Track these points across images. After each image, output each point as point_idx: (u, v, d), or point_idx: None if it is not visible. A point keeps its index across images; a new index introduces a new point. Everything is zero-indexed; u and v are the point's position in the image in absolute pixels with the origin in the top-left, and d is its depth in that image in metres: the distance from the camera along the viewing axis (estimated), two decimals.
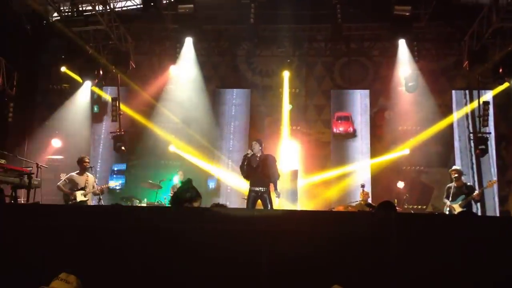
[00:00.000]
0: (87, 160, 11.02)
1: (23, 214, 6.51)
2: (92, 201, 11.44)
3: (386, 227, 5.80)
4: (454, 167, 11.38)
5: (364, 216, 7.75)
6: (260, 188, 9.98)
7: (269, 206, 9.91)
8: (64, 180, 10.80)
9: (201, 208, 6.90)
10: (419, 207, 14.19)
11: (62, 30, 12.83)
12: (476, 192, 10.82)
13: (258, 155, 10.07)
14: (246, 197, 13.30)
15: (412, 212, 13.58)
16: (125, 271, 5.34)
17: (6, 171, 9.80)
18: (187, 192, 7.57)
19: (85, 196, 10.71)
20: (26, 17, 13.58)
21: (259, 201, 9.95)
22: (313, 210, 11.87)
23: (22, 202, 10.91)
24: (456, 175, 10.96)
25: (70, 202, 10.49)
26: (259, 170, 10.02)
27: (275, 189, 10.21)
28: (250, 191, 10.06)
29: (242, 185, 14.11)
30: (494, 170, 14.52)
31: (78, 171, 10.88)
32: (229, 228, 5.55)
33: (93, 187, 10.99)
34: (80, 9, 12.95)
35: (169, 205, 10.86)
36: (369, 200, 13.12)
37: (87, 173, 10.96)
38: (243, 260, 5.22)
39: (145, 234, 5.41)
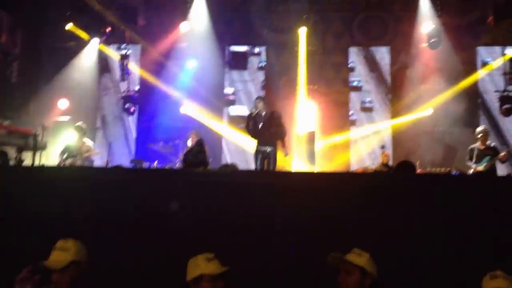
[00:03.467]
0: (81, 128, 11.14)
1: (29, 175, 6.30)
2: None
3: (404, 188, 5.44)
4: (481, 128, 10.90)
5: (381, 177, 7.36)
6: (266, 147, 9.74)
7: (272, 165, 9.67)
8: (62, 149, 10.95)
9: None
10: (443, 169, 13.58)
11: None
12: (503, 153, 10.37)
13: (263, 113, 9.82)
14: None
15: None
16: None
17: (11, 133, 9.59)
18: (196, 156, 7.16)
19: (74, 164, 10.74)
20: None
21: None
22: (328, 172, 11.49)
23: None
24: (482, 135, 10.51)
25: None
26: (265, 129, 9.78)
27: (283, 146, 9.94)
28: (257, 151, 9.81)
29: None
30: None
31: (75, 138, 11.09)
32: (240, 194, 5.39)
33: (86, 154, 11.00)
34: None
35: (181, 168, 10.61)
36: (390, 162, 12.67)
37: (84, 139, 11.09)
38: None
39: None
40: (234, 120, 14.84)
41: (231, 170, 9.24)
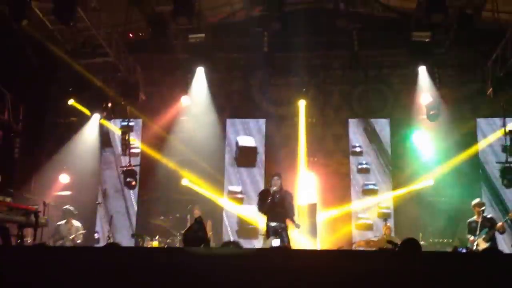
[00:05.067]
0: (68, 211, 11.70)
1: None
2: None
3: (410, 268, 5.35)
4: (475, 201, 11.10)
5: (387, 256, 7.28)
6: (279, 223, 10.09)
7: (287, 243, 9.88)
8: (53, 231, 11.38)
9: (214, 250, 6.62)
10: (445, 240, 13.51)
11: (69, 62, 12.58)
12: (500, 223, 10.55)
13: (278, 190, 10.19)
14: (263, 233, 12.98)
15: (438, 246, 12.97)
16: None
17: (12, 210, 9.55)
18: (197, 233, 7.12)
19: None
20: (33, 50, 13.16)
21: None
22: (333, 250, 11.39)
23: (29, 241, 10.64)
24: (479, 208, 10.67)
25: None
26: (279, 206, 10.10)
27: (293, 221, 10.35)
28: (269, 226, 10.11)
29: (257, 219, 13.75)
30: None
31: (65, 220, 11.58)
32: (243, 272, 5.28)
33: (73, 236, 11.42)
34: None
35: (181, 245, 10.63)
36: (392, 234, 12.63)
37: (72, 221, 11.57)
38: None
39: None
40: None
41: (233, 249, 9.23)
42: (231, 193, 14.90)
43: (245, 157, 15.08)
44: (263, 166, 14.98)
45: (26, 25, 10.57)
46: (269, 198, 10.10)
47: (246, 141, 15.24)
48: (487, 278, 5.13)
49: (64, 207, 11.80)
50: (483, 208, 10.82)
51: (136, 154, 14.63)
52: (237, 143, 15.24)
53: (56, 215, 12.24)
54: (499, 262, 5.60)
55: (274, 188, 10.16)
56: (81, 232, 11.77)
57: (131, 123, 14.37)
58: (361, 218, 14.39)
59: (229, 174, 15.07)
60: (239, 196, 14.85)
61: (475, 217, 10.79)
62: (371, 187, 14.72)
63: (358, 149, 14.90)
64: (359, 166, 14.79)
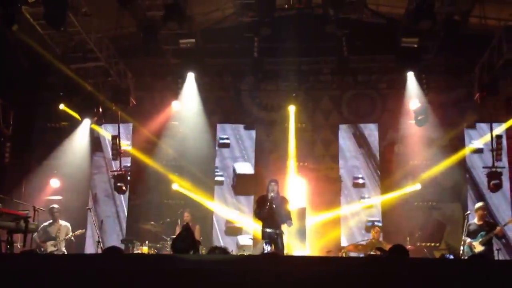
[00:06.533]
0: (55, 210, 11.66)
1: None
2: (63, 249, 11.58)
3: (398, 274, 5.45)
4: (479, 204, 11.20)
5: (375, 262, 7.36)
6: (274, 229, 10.17)
7: (281, 247, 10.06)
8: (38, 231, 11.10)
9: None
10: (432, 244, 13.67)
11: (60, 67, 12.58)
12: (498, 227, 10.62)
13: (275, 197, 10.30)
14: (253, 237, 13.06)
15: (425, 250, 13.14)
16: None
17: (1, 215, 9.51)
18: (183, 241, 7.14)
19: (54, 246, 11.25)
20: (23, 55, 13.17)
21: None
22: (322, 256, 11.48)
23: (19, 247, 10.46)
24: (481, 212, 10.76)
25: None
26: (276, 212, 10.21)
27: (287, 221, 10.37)
28: (264, 232, 10.18)
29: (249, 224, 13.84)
30: (508, 205, 13.96)
31: (50, 220, 11.55)
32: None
33: (67, 235, 11.48)
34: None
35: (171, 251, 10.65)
36: (381, 238, 12.72)
37: (60, 221, 11.59)
38: None
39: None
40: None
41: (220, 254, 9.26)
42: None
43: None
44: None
45: (16, 29, 10.57)
46: (267, 205, 10.13)
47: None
48: (473, 285, 5.23)
49: (51, 206, 11.79)
50: (483, 212, 10.94)
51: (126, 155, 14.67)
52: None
53: (47, 220, 12.18)
54: (484, 269, 5.72)
55: (272, 194, 10.21)
56: (78, 232, 11.82)
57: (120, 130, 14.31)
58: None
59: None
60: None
61: (475, 220, 10.83)
62: (360, 181, 14.89)
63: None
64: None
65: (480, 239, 10.53)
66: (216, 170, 15.18)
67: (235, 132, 15.47)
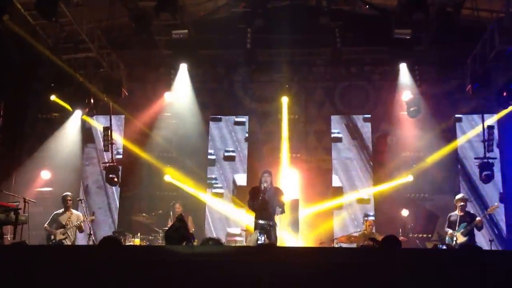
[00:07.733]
0: (69, 198, 11.42)
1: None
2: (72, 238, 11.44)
3: (390, 264, 5.46)
4: (459, 195, 11.44)
5: (368, 252, 7.37)
6: (267, 221, 10.00)
7: (274, 239, 9.90)
8: (50, 220, 11.23)
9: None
10: (425, 235, 13.72)
11: (51, 58, 12.47)
12: (478, 218, 10.88)
13: (268, 187, 10.08)
14: (245, 229, 13.03)
15: (417, 241, 13.13)
16: None
17: None
18: (175, 231, 7.12)
19: (63, 234, 11.14)
20: (14, 45, 13.02)
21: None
22: (314, 247, 11.51)
23: (9, 239, 10.46)
24: (462, 203, 10.91)
25: (50, 242, 10.96)
26: (269, 203, 10.01)
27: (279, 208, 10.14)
28: (257, 224, 10.02)
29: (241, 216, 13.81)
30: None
31: (62, 209, 11.36)
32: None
33: (78, 223, 11.24)
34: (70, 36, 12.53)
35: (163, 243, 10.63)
36: (373, 229, 12.74)
37: (72, 210, 11.44)
38: None
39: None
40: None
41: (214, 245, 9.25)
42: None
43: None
44: (246, 163, 15.03)
45: (7, 20, 10.50)
46: (260, 196, 10.01)
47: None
48: (466, 275, 5.27)
49: (64, 194, 11.56)
50: (464, 203, 11.09)
51: (118, 150, 14.60)
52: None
53: (37, 212, 12.13)
54: (477, 258, 5.75)
55: (265, 185, 10.06)
56: (90, 218, 11.58)
57: (112, 121, 14.20)
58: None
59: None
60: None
61: (456, 211, 11.11)
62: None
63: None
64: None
65: (462, 230, 10.75)
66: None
67: (227, 124, 15.41)
